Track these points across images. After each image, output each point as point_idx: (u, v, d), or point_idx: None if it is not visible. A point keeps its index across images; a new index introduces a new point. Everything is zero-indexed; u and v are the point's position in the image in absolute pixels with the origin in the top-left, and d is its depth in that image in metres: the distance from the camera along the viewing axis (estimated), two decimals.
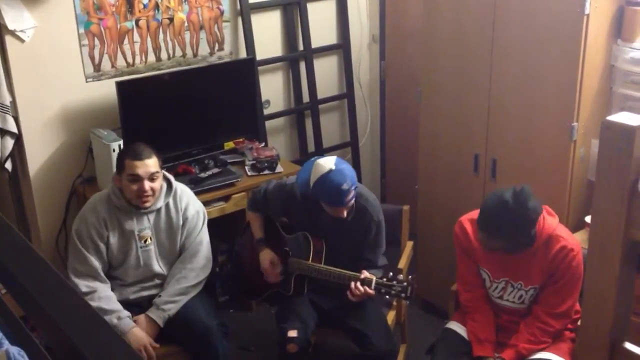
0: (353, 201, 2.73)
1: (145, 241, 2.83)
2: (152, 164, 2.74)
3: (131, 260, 2.83)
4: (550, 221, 2.48)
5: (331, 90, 4.26)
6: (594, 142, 2.84)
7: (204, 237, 2.94)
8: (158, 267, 2.87)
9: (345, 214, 2.71)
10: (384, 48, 4.34)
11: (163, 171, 2.86)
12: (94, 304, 2.66)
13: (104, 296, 2.73)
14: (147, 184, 2.73)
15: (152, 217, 2.84)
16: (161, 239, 2.87)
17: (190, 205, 2.91)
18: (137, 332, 2.67)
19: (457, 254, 2.67)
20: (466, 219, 2.64)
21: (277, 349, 2.76)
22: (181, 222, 2.87)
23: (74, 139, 3.37)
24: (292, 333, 2.70)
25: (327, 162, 2.66)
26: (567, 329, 2.54)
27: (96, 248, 2.78)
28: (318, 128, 4.18)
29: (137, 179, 2.71)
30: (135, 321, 2.72)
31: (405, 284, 2.59)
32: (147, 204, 2.78)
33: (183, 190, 2.93)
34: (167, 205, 2.86)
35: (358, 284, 2.62)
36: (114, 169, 2.86)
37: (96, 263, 2.76)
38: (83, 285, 2.73)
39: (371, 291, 2.61)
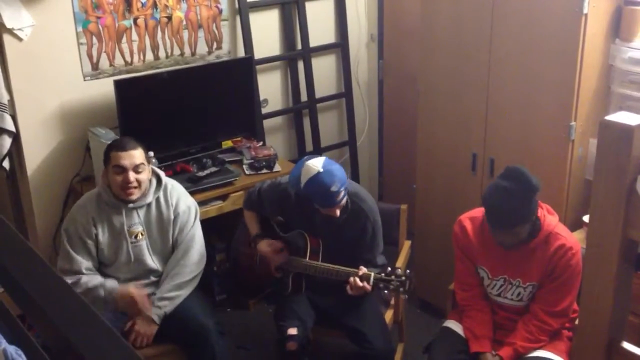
0: (345, 200, 2.73)
1: (136, 237, 2.83)
2: (137, 155, 2.75)
3: (122, 256, 2.82)
4: (550, 219, 2.49)
5: (329, 89, 4.26)
6: (592, 142, 2.84)
7: (197, 232, 2.93)
8: (152, 262, 2.86)
9: (337, 213, 2.71)
10: (382, 47, 4.35)
11: (151, 166, 2.87)
12: (79, 290, 2.69)
13: (88, 280, 2.75)
14: (132, 175, 2.73)
15: (142, 212, 2.84)
16: (153, 234, 2.86)
17: (181, 200, 2.90)
18: (122, 287, 2.76)
19: (455, 254, 2.67)
20: (466, 218, 2.64)
21: (276, 347, 2.76)
22: (172, 217, 2.87)
23: (71, 138, 3.37)
24: (292, 331, 2.70)
25: (316, 164, 2.65)
26: (564, 327, 2.54)
27: (84, 246, 2.78)
28: (316, 127, 4.18)
29: (122, 170, 2.73)
30: (131, 322, 2.71)
31: (403, 278, 2.60)
32: (133, 197, 2.77)
33: (174, 186, 2.93)
34: (157, 200, 2.86)
35: (357, 279, 2.63)
36: None
37: (82, 262, 2.76)
38: (68, 279, 2.72)
39: (369, 287, 2.62)
